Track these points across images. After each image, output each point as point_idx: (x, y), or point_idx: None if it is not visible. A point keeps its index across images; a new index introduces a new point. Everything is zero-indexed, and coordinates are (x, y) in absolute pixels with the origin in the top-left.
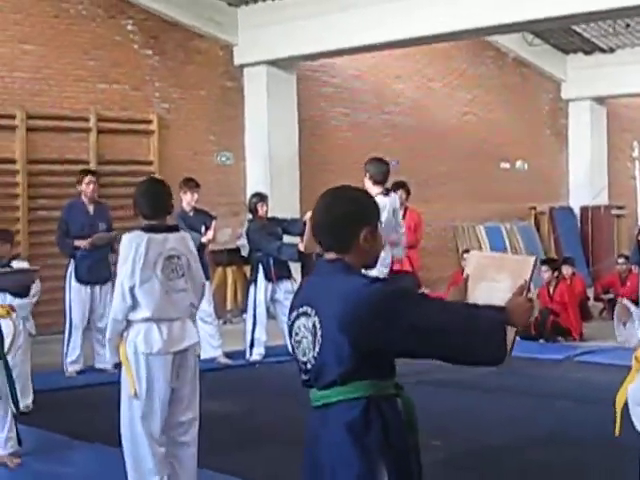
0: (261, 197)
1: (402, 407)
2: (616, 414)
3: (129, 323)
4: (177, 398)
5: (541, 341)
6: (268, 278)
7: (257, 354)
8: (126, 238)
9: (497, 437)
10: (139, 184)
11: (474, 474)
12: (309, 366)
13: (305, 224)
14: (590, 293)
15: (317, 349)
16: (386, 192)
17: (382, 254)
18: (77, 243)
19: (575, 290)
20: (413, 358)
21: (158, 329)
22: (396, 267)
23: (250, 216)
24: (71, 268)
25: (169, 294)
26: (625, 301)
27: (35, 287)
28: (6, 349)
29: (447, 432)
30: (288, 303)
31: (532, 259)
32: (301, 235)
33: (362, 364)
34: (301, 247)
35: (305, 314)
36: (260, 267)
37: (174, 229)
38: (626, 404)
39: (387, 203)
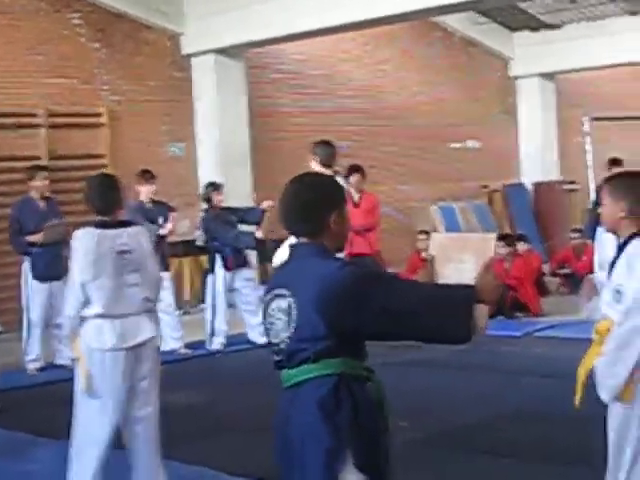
0: (215, 186)
1: (373, 391)
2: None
3: (83, 319)
4: (135, 394)
5: (500, 317)
6: (226, 267)
7: (218, 343)
8: (77, 234)
9: (467, 415)
10: (90, 179)
11: (444, 453)
12: (282, 346)
13: (263, 212)
14: (546, 269)
15: (291, 329)
16: (333, 174)
17: None
18: (31, 239)
19: (531, 266)
20: (385, 340)
21: (111, 324)
22: (356, 250)
23: (205, 206)
24: (27, 266)
25: (121, 289)
26: (592, 276)
27: None
28: None
29: (416, 412)
30: (247, 291)
31: (492, 236)
32: (258, 223)
33: (336, 343)
34: (259, 234)
35: (280, 295)
36: (217, 256)
37: (126, 224)
38: (589, 377)
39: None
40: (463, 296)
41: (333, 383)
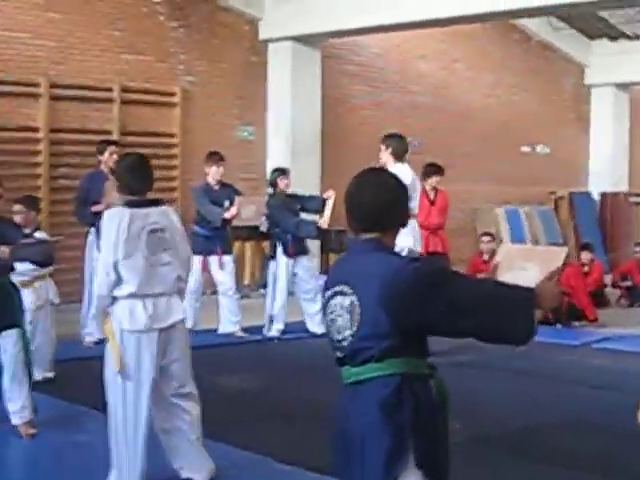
0: (282, 171)
1: (435, 388)
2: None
3: (114, 299)
4: (167, 376)
5: (558, 326)
6: (287, 254)
7: (276, 330)
8: (108, 214)
9: (521, 420)
10: (121, 159)
11: (497, 457)
12: (345, 344)
13: (324, 201)
14: (607, 280)
15: (355, 327)
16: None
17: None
18: (95, 208)
19: (592, 276)
20: (448, 336)
21: (143, 305)
22: (432, 249)
23: (271, 190)
24: (92, 238)
25: (154, 268)
26: None
27: None
28: (28, 319)
29: (470, 414)
30: (306, 279)
31: (564, 250)
32: (319, 212)
33: (400, 341)
34: (321, 224)
35: (341, 293)
36: (279, 243)
37: (157, 203)
38: None
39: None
40: (524, 298)
41: (396, 383)
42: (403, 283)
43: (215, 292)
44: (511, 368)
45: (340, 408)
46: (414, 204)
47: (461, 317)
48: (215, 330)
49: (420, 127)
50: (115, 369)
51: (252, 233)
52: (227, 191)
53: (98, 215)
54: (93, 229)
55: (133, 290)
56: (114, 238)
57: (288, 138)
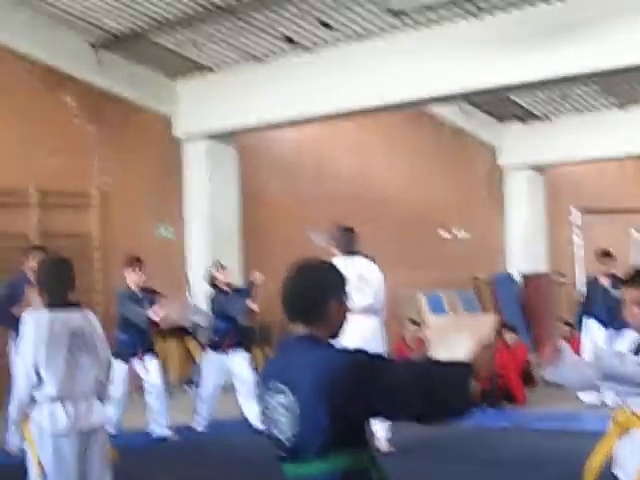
0: (219, 264)
1: (376, 477)
2: None
3: (33, 402)
4: (86, 478)
5: (485, 406)
6: (221, 348)
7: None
8: (28, 317)
9: None
10: (42, 263)
11: None
12: (287, 444)
13: (251, 284)
14: (532, 359)
15: (296, 427)
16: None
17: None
18: (14, 311)
19: (517, 356)
20: (388, 419)
21: (63, 407)
22: None
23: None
24: (15, 341)
25: (74, 370)
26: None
27: None
28: None
29: None
30: (244, 374)
31: (491, 316)
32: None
33: (340, 436)
34: (254, 307)
35: (280, 391)
36: (214, 336)
37: (77, 305)
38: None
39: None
40: (463, 371)
41: None
42: (339, 373)
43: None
44: (434, 451)
45: None
46: (361, 298)
47: (400, 397)
48: (145, 432)
49: (338, 215)
50: (36, 473)
51: (175, 329)
52: (150, 296)
53: (18, 319)
54: (14, 333)
55: (54, 392)
56: (34, 340)
57: (208, 233)
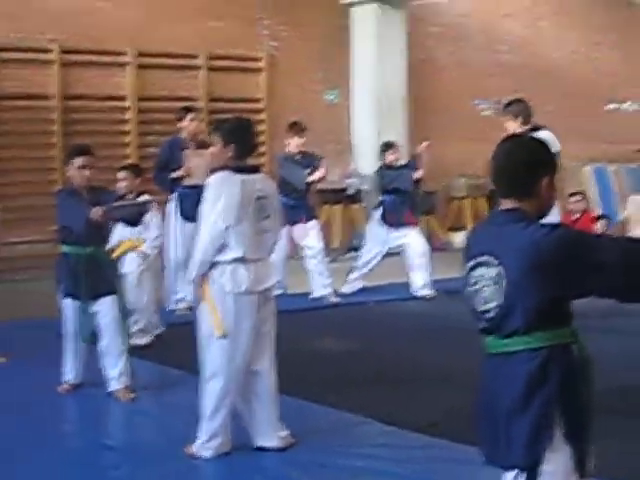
0: (389, 145)
1: (577, 352)
2: None
3: (214, 264)
4: (258, 336)
5: None
6: (386, 221)
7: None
8: (217, 178)
9: None
10: (228, 122)
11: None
12: (491, 314)
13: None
14: None
15: (502, 298)
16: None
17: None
18: (175, 174)
19: None
20: (593, 296)
21: (246, 269)
22: None
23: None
24: (175, 204)
25: (259, 234)
26: None
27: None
28: (134, 283)
29: (618, 379)
30: (417, 247)
31: None
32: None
33: (546, 313)
34: (419, 175)
35: (486, 263)
36: (380, 209)
37: (258, 170)
38: None
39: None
40: None
41: (542, 357)
42: (549, 251)
43: (301, 258)
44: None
45: (485, 379)
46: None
47: (607, 275)
48: (307, 294)
49: (504, 86)
50: (215, 332)
51: (340, 196)
52: (309, 159)
53: (177, 181)
54: (174, 196)
55: (239, 255)
56: (225, 204)
57: (373, 101)
